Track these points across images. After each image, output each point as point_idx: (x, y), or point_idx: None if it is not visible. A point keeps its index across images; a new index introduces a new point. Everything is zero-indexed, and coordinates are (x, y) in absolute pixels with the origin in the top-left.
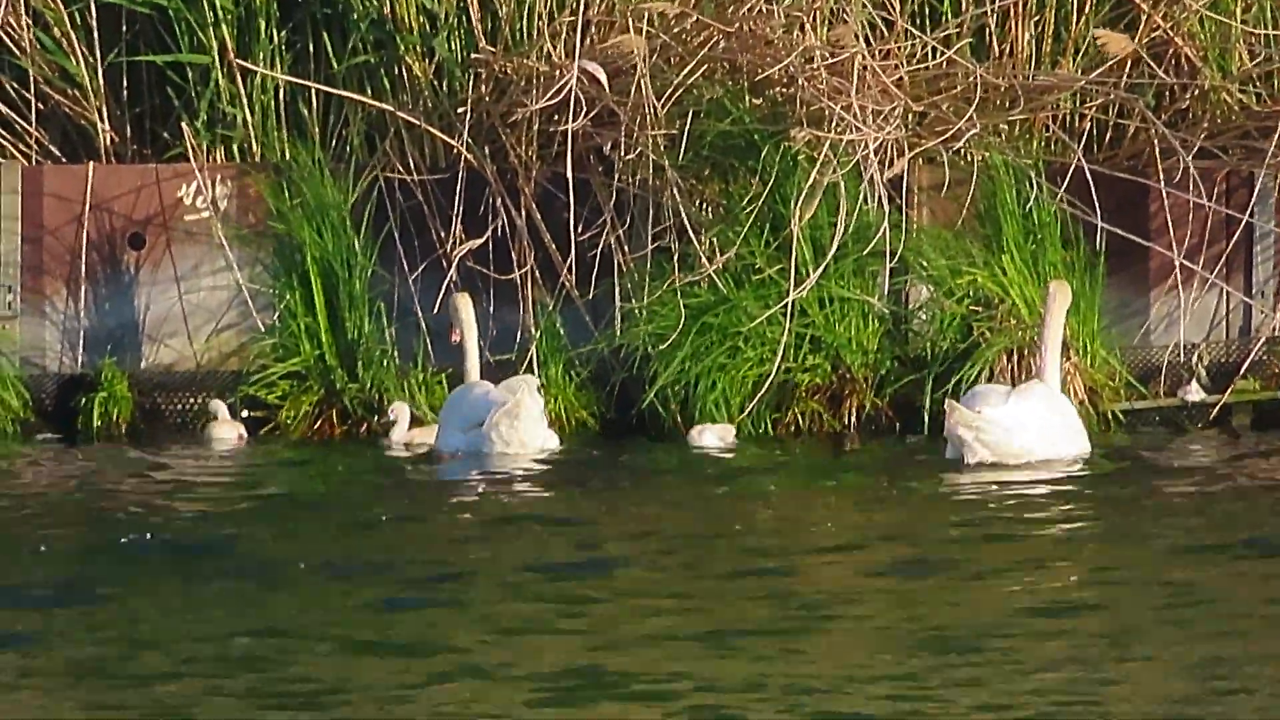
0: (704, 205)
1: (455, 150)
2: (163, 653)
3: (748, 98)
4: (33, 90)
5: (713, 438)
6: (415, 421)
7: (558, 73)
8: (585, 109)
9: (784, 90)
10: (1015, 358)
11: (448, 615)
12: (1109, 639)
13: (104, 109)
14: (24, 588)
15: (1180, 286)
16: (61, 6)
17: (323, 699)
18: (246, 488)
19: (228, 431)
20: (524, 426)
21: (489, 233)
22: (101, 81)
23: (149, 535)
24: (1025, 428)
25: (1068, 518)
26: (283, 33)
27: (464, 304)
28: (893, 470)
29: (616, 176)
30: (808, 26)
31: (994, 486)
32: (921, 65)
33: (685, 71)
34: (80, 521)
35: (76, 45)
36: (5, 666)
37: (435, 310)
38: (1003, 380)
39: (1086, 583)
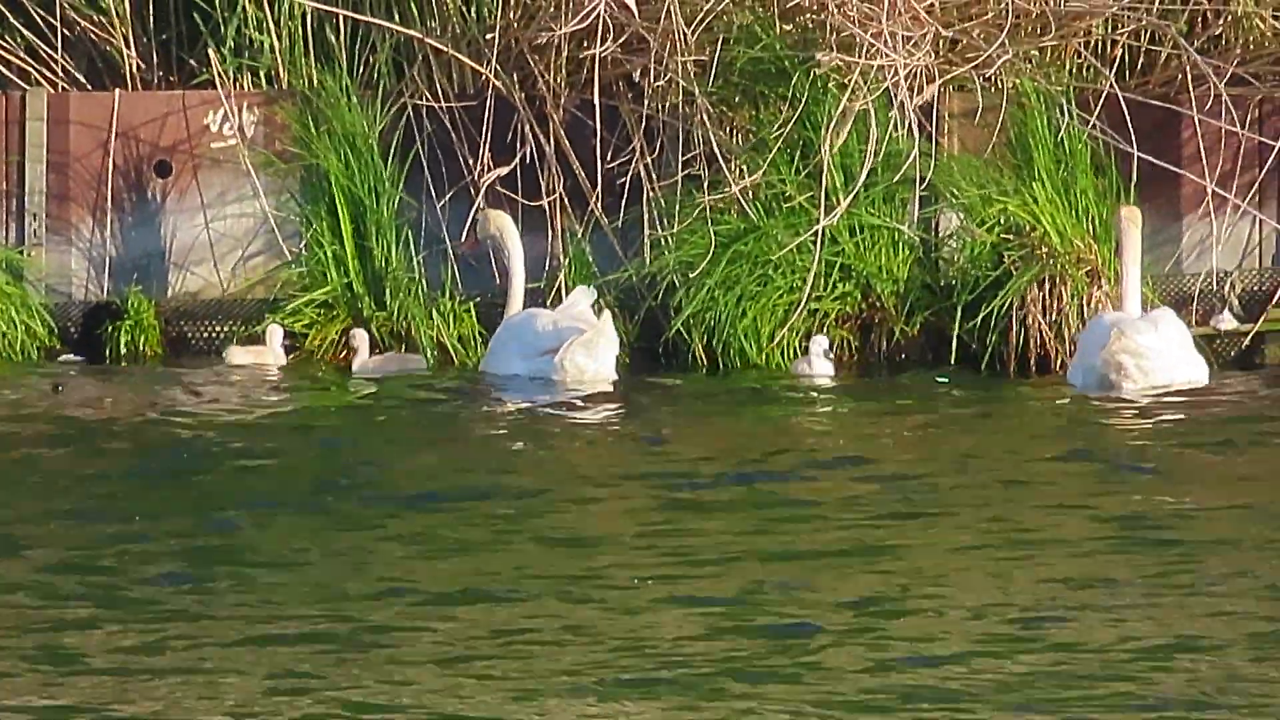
0: (733, 132)
1: (483, 77)
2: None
3: (778, 24)
4: (59, 17)
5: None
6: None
7: None
8: (614, 34)
9: (814, 16)
10: (1046, 286)
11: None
12: None
13: (130, 36)
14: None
15: (1212, 214)
16: None
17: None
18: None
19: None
20: (601, 355)
21: (517, 160)
22: (128, 7)
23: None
24: (1175, 355)
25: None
26: None
27: (507, 223)
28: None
29: (645, 103)
30: None
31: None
32: None
33: None
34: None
35: None
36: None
37: (463, 236)
38: (1034, 309)
39: None
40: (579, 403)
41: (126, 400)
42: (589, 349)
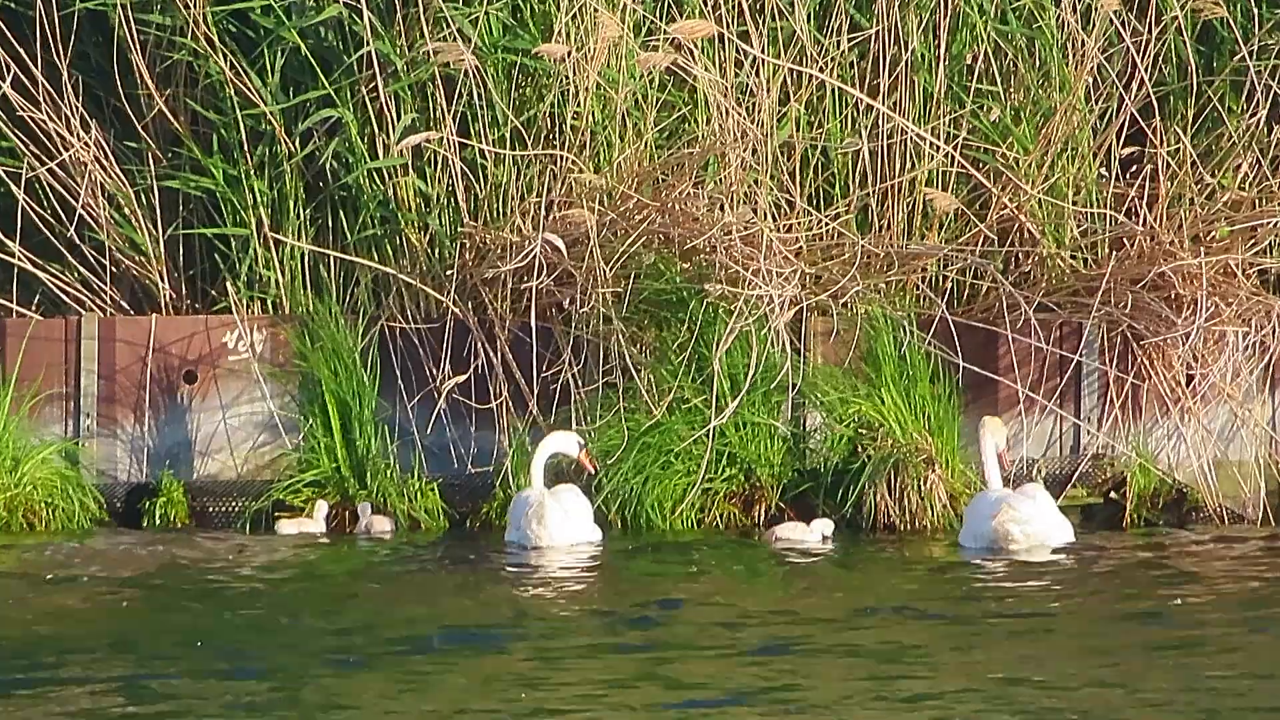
0: (642, 348)
1: (444, 304)
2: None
3: (678, 262)
4: (108, 257)
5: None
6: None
7: (526, 242)
8: (548, 271)
9: (707, 256)
10: (891, 471)
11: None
12: None
13: (164, 271)
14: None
15: (1024, 413)
16: (130, 190)
17: None
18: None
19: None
20: (549, 525)
21: (470, 370)
22: (162, 250)
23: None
24: (1052, 520)
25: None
26: (307, 211)
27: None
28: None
29: (573, 325)
30: (726, 206)
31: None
32: (816, 236)
33: (628, 242)
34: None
35: (143, 221)
36: None
37: (429, 431)
38: (882, 487)
39: None
40: (531, 563)
41: (163, 561)
42: (537, 519)
